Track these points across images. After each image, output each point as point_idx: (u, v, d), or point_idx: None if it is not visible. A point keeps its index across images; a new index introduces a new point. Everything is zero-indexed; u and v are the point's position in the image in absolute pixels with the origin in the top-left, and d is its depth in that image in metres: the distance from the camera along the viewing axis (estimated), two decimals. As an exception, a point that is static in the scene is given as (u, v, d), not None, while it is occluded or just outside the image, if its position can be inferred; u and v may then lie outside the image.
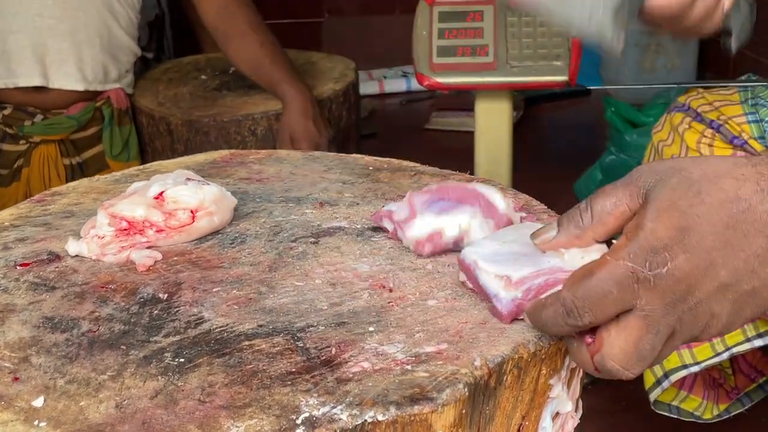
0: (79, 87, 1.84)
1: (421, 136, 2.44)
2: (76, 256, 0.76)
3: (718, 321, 0.60)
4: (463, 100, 2.39)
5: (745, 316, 0.61)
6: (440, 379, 0.58)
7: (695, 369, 0.98)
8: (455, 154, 2.02)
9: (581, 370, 0.70)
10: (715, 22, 0.99)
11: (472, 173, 0.90)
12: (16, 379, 0.60)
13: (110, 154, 1.87)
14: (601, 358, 0.58)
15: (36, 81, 1.81)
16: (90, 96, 1.86)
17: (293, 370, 0.60)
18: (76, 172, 1.83)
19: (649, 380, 1.07)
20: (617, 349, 0.58)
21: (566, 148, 2.24)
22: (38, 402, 0.57)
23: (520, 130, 1.97)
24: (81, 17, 1.82)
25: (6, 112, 1.83)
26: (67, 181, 1.75)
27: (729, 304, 0.59)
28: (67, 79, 1.83)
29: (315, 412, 0.55)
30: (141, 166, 1.00)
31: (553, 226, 0.63)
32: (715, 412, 1.04)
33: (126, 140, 1.89)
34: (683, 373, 0.98)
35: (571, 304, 0.58)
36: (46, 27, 1.80)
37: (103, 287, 0.71)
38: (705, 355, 0.97)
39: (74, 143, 1.86)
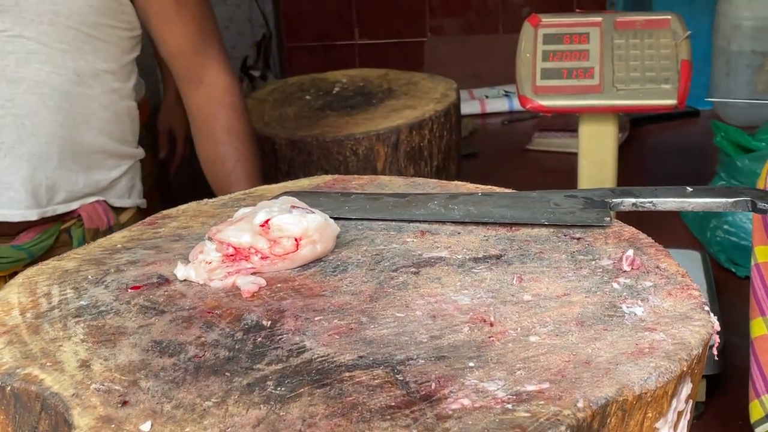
0: (32, 216, 1.34)
1: (522, 157, 2.41)
2: (185, 280, 0.79)
3: None
4: (566, 120, 2.36)
5: None
6: (542, 420, 0.57)
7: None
8: (558, 176, 1.99)
9: (689, 413, 0.67)
10: None
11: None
12: (126, 402, 0.62)
13: None
14: None
15: None
16: (52, 218, 1.37)
17: (393, 403, 0.60)
18: None
19: (756, 413, 1.02)
20: None
21: (673, 171, 2.18)
22: (146, 426, 0.59)
23: (625, 151, 1.92)
24: (27, 125, 1.31)
25: None
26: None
27: None
28: (12, 206, 1.32)
29: (414, 449, 0.55)
30: (247, 190, 1.02)
31: None
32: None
33: None
34: None
35: None
36: None
37: (209, 312, 0.73)
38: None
39: None
